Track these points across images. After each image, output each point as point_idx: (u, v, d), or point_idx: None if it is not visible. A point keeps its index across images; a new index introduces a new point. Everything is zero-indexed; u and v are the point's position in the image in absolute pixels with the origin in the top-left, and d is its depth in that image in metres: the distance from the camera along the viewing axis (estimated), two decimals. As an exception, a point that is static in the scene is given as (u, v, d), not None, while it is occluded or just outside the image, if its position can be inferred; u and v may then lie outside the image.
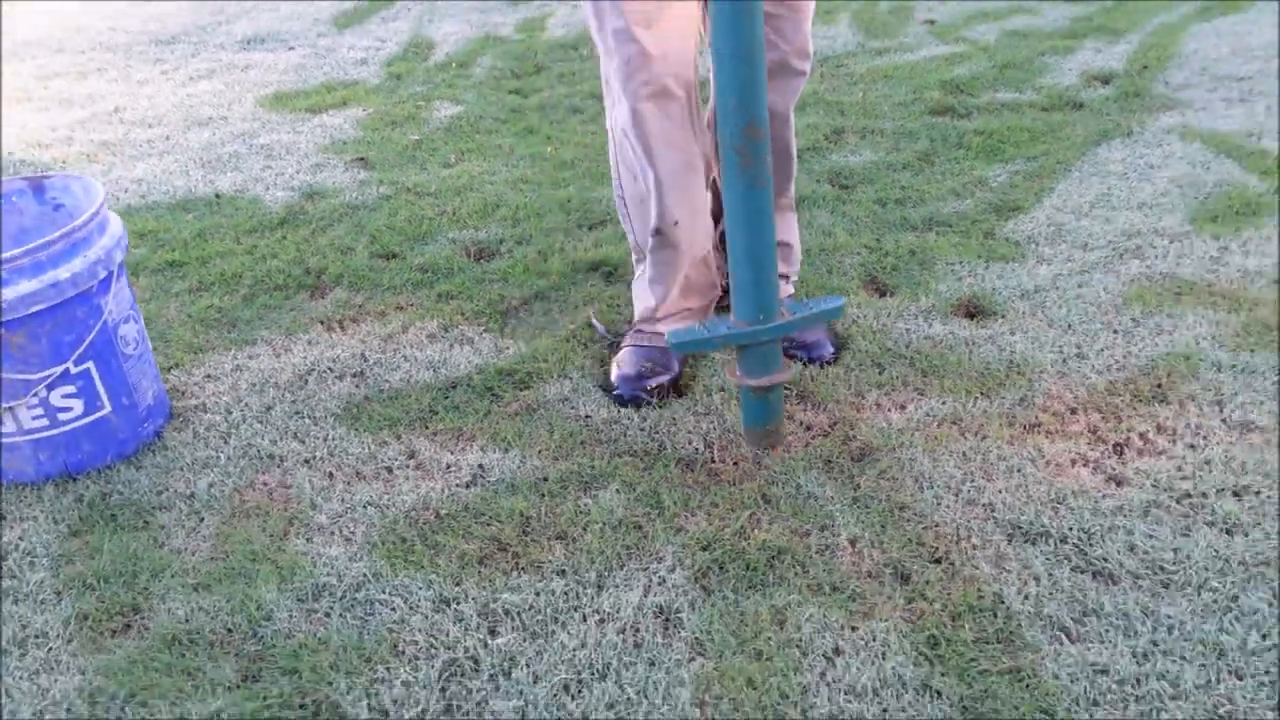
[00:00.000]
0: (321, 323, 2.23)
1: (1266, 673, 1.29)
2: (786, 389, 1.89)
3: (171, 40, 4.77)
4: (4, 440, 1.71)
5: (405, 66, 4.12)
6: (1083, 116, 3.18)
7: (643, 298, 2.03)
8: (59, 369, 1.68)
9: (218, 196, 2.93)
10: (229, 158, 3.23)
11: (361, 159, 3.15)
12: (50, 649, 1.44)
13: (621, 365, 1.96)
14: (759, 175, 1.47)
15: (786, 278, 2.10)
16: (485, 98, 3.70)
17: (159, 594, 1.52)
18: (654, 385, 1.91)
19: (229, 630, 1.45)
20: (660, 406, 1.89)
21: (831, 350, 2.00)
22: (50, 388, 1.68)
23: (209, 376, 2.06)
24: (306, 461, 1.79)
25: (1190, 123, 3.06)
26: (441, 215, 2.72)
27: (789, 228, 2.09)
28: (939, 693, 1.30)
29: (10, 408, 1.67)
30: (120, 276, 1.77)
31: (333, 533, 1.63)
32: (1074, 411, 1.81)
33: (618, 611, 1.45)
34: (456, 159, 3.12)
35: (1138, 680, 1.30)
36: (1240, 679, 1.29)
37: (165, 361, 2.09)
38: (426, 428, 1.87)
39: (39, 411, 1.69)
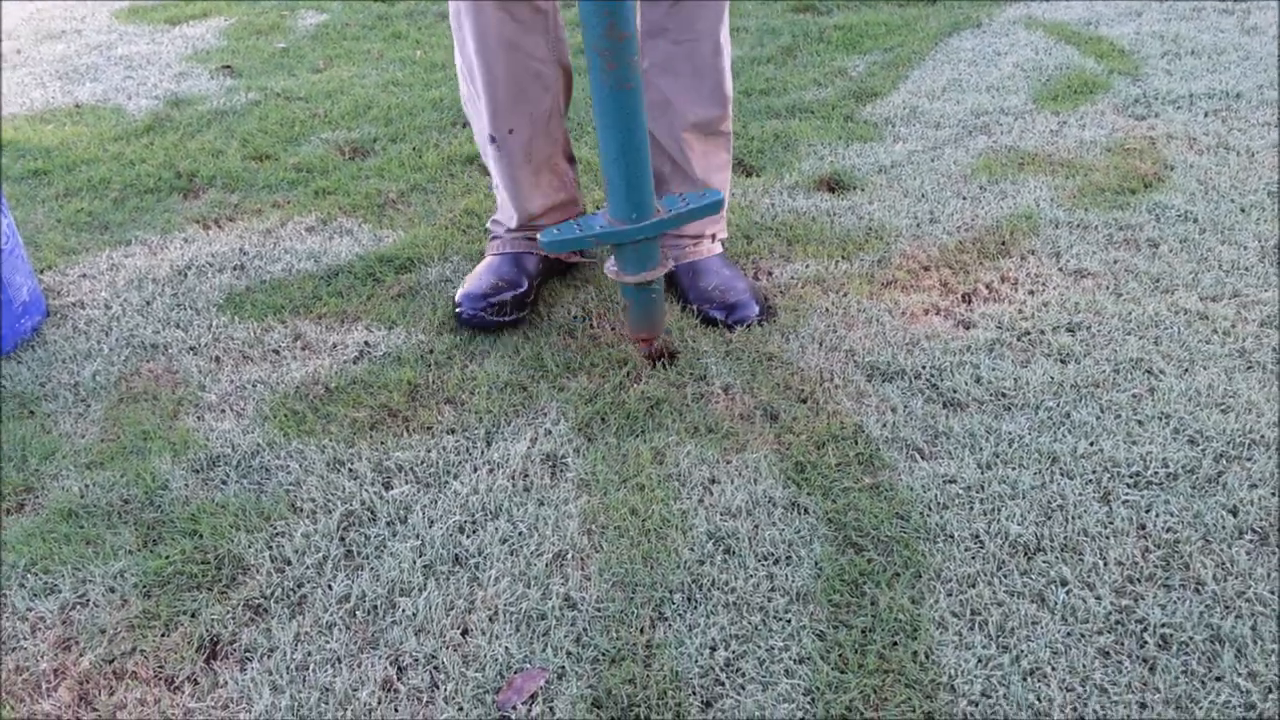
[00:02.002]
0: (197, 222, 2.22)
1: (1094, 473, 1.45)
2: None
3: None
4: (-126, 338, 1.69)
5: (265, -21, 4.03)
6: (936, 10, 3.31)
7: (499, 206, 1.95)
8: (-72, 262, 1.66)
9: (78, 106, 2.85)
10: (86, 69, 3.14)
11: (228, 67, 3.09)
12: (-56, 528, 1.45)
13: (468, 282, 1.87)
14: (623, 77, 1.41)
15: (713, 237, 1.92)
16: (350, 6, 3.65)
17: (51, 474, 1.54)
18: (496, 301, 1.81)
19: (125, 501, 1.48)
20: (505, 327, 1.83)
21: (757, 310, 1.81)
22: (-80, 281, 1.67)
23: (84, 276, 2.04)
24: (191, 349, 1.81)
25: (1034, 14, 3.22)
26: (313, 118, 2.71)
27: (711, 168, 1.87)
28: (806, 509, 1.42)
29: (-121, 303, 1.65)
30: (-15, 169, 1.75)
31: (223, 410, 1.66)
32: (927, 269, 1.94)
33: (506, 461, 1.53)
34: (325, 64, 3.09)
35: (982, 486, 1.44)
36: (1071, 479, 1.44)
37: (38, 264, 2.07)
38: (311, 312, 1.90)
39: (-91, 307, 1.67)
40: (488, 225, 2.00)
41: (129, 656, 1.25)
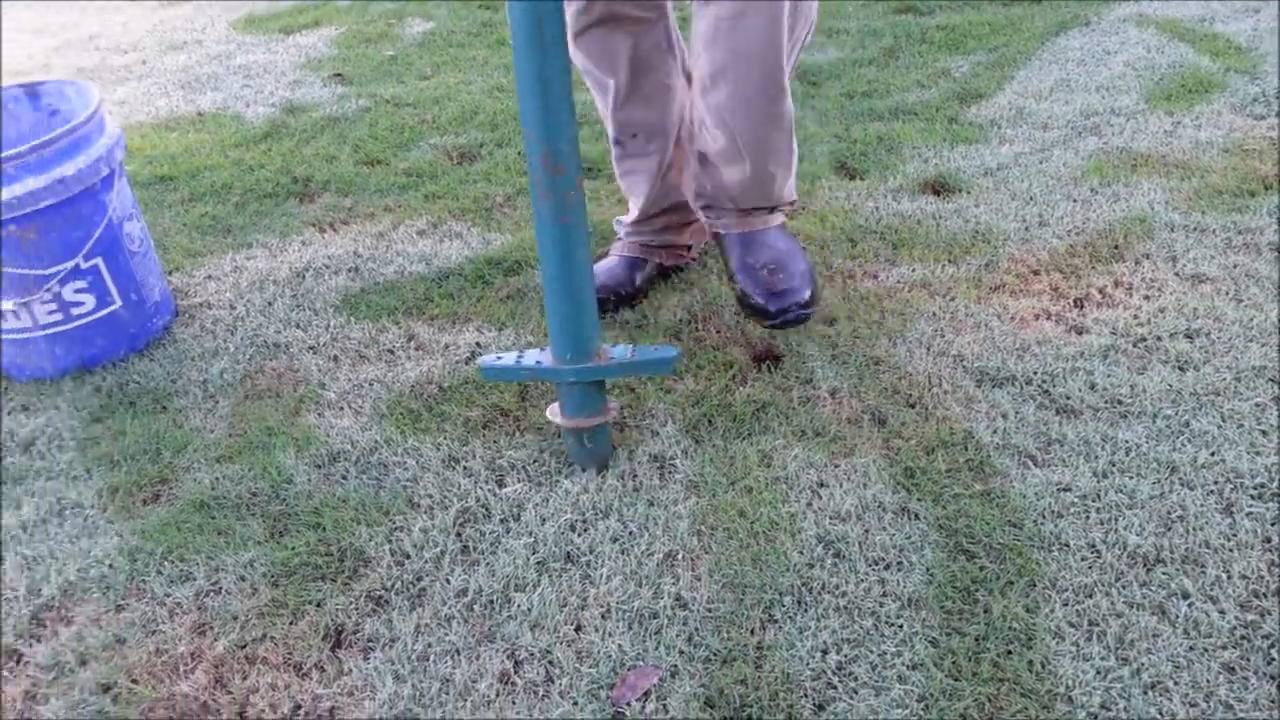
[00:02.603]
0: (313, 225, 2.30)
1: (1215, 484, 1.41)
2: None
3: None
4: (21, 336, 1.78)
5: (373, -13, 4.13)
6: (1042, 9, 3.26)
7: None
8: (70, 264, 1.75)
9: (200, 114, 2.97)
10: (207, 78, 3.26)
11: (339, 75, 3.19)
12: (87, 517, 1.53)
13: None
14: (559, 209, 1.33)
15: (771, 208, 1.77)
16: (456, 13, 3.72)
17: (184, 467, 1.61)
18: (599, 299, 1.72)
19: (253, 494, 1.55)
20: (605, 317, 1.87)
21: (807, 296, 1.67)
22: (63, 283, 1.75)
23: (209, 277, 2.13)
24: (311, 348, 1.88)
25: (1146, 11, 3.14)
26: (422, 123, 2.78)
27: (766, 154, 1.68)
28: (916, 514, 1.42)
29: (26, 303, 1.74)
30: (121, 175, 1.84)
31: (342, 407, 1.72)
32: (1036, 273, 1.92)
33: (615, 461, 1.55)
34: (432, 71, 3.17)
35: (1097, 495, 1.42)
36: (1191, 489, 1.41)
37: (166, 265, 2.16)
38: (423, 313, 1.96)
39: (53, 306, 1.77)
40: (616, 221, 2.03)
41: (260, 643, 1.31)
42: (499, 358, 1.52)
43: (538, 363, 1.47)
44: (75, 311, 1.79)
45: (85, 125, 1.74)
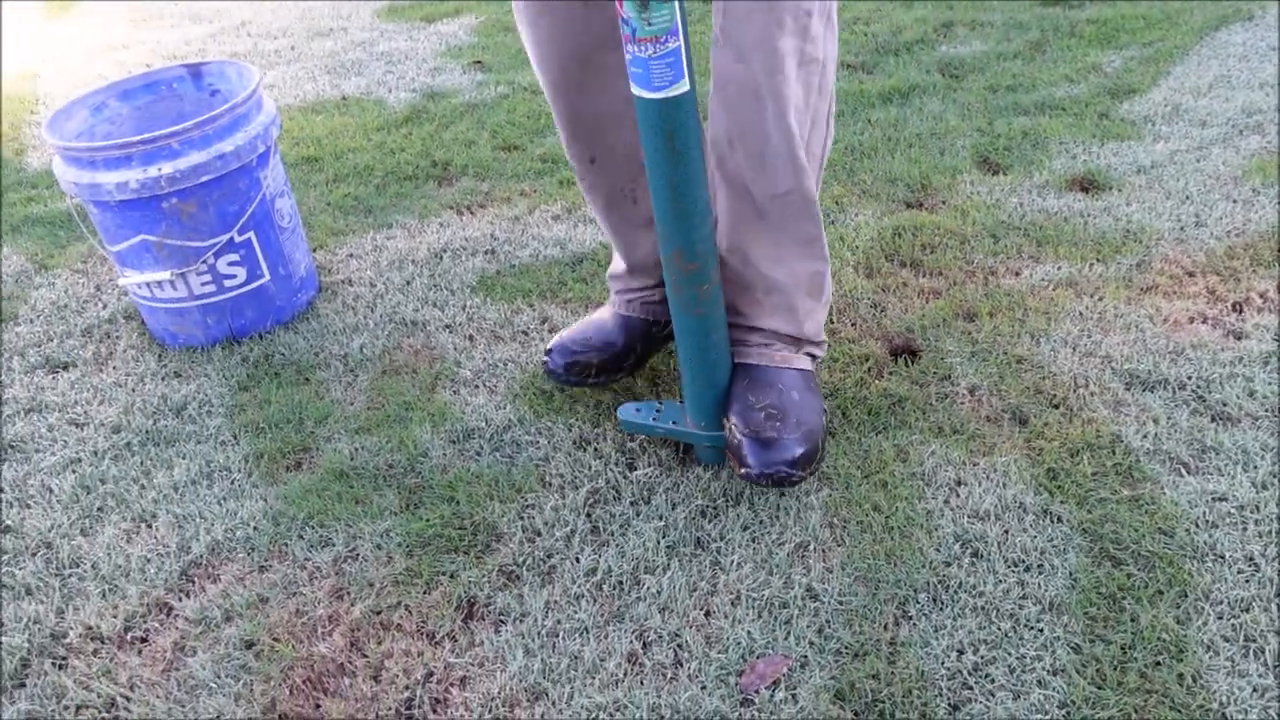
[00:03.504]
0: (451, 208, 2.34)
1: (1385, 501, 1.33)
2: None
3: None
4: (176, 305, 1.86)
5: (511, -22, 4.19)
6: (1201, 3, 3.11)
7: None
8: (225, 237, 1.82)
9: (344, 99, 3.06)
10: (352, 64, 3.35)
11: (478, 62, 3.24)
12: (234, 480, 1.59)
13: (570, 327, 1.69)
14: (692, 302, 1.34)
15: (797, 343, 1.51)
16: (592, 4, 3.75)
17: (325, 437, 1.66)
18: (582, 361, 1.62)
19: (390, 466, 1.58)
20: (588, 389, 1.70)
21: (799, 454, 1.37)
22: (218, 255, 1.82)
23: (351, 255, 2.19)
24: (447, 327, 1.91)
25: (1316, 4, 2.98)
26: (558, 111, 2.81)
27: (790, 259, 1.45)
28: (1059, 517, 1.37)
29: (183, 273, 1.81)
30: (275, 153, 1.90)
31: (477, 386, 1.75)
32: (1191, 275, 1.83)
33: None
34: (568, 60, 3.20)
35: (1257, 506, 1.35)
36: (1358, 505, 1.33)
37: (311, 243, 2.23)
38: (557, 297, 1.97)
39: (207, 278, 1.84)
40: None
41: (394, 610, 1.34)
42: (637, 409, 1.53)
43: (673, 423, 1.49)
44: (227, 283, 1.86)
45: (245, 103, 1.80)
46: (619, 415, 1.53)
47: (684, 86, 1.18)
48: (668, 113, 1.19)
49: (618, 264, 1.69)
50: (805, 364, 1.51)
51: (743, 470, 1.37)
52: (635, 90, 1.19)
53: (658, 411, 1.52)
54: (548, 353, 1.65)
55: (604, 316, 1.69)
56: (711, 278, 1.34)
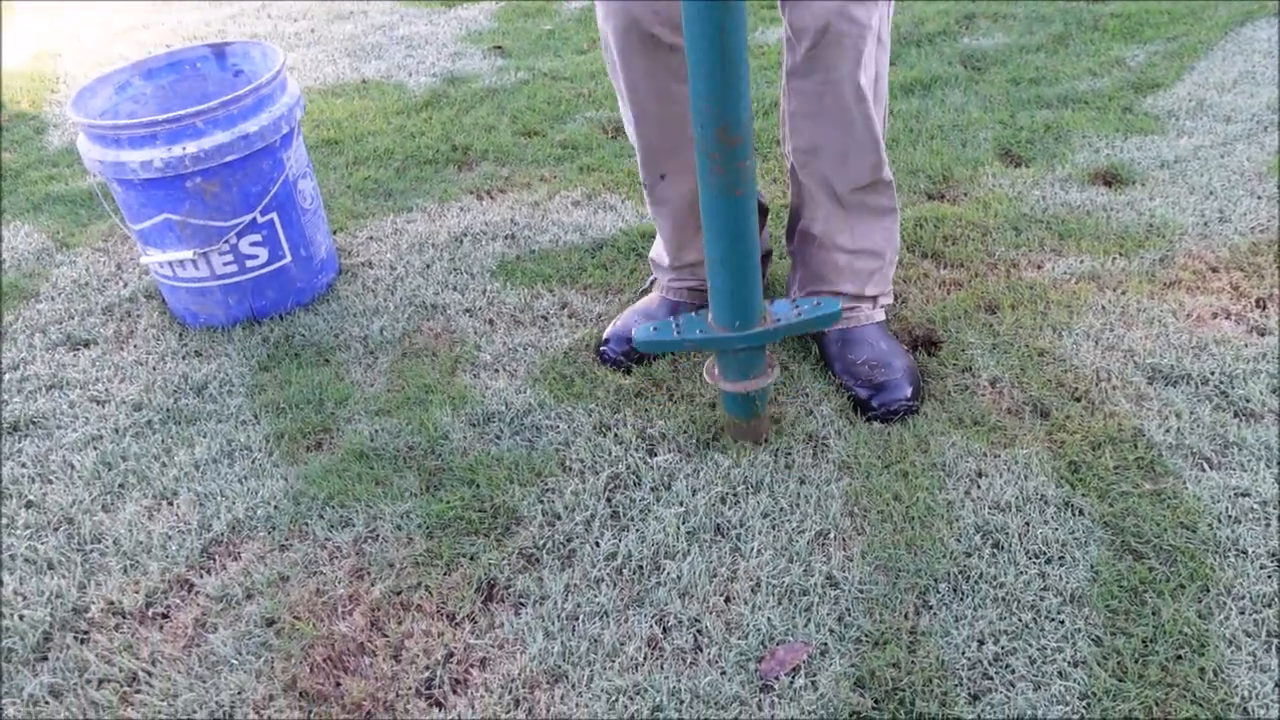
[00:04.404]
0: (471, 192, 2.34)
1: None
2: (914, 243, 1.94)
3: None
4: (198, 284, 1.86)
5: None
6: (1227, -2, 3.09)
7: (657, 243, 1.83)
8: (247, 217, 1.82)
9: (364, 82, 3.06)
10: (372, 47, 3.36)
11: (498, 47, 3.24)
12: (255, 459, 1.59)
13: (620, 318, 1.78)
14: (732, 182, 1.29)
15: (874, 300, 1.70)
16: (612, -9, 3.75)
17: (345, 418, 1.67)
18: (635, 349, 1.65)
19: (410, 448, 1.59)
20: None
21: (909, 393, 1.58)
22: (240, 235, 1.83)
23: (371, 238, 2.19)
24: (467, 310, 1.92)
25: (1343, 1, 2.96)
26: (578, 97, 2.80)
27: (868, 233, 1.66)
28: (1081, 510, 1.37)
29: (205, 253, 1.82)
30: (298, 134, 1.90)
31: (497, 370, 1.75)
32: (1215, 270, 1.82)
33: (768, 439, 1.54)
34: (589, 46, 3.19)
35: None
36: (1382, 503, 1.32)
37: (331, 225, 2.23)
38: (576, 282, 1.97)
39: (229, 258, 1.84)
40: (651, 256, 1.86)
41: (414, 590, 1.34)
42: (655, 328, 1.47)
43: (700, 332, 1.43)
44: (249, 264, 1.86)
45: (270, 84, 1.80)
46: (635, 337, 1.47)
47: None
48: None
49: (663, 257, 1.79)
50: (880, 316, 1.71)
51: (869, 414, 1.58)
52: None
53: (677, 326, 1.46)
54: (604, 343, 1.75)
55: (651, 304, 1.80)
56: (750, 152, 1.30)
